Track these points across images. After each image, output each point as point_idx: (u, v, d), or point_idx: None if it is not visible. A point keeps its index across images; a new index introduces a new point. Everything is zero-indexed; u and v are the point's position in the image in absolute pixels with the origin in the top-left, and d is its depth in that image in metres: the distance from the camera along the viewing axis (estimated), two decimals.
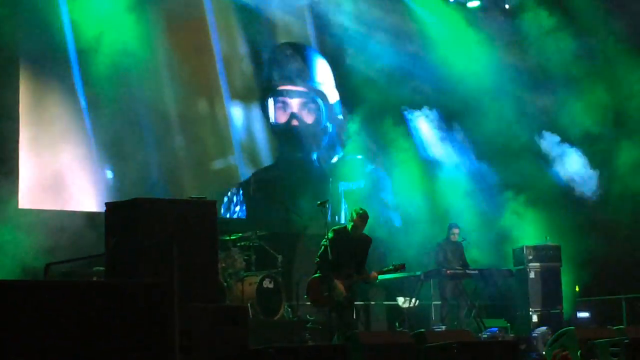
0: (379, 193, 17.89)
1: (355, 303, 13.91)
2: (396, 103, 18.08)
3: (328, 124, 17.91)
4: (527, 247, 16.45)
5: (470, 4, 18.89)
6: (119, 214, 9.08)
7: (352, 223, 12.24)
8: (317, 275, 12.24)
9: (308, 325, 12.93)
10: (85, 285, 7.98)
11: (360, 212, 12.29)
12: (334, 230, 12.25)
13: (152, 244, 8.38)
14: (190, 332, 8.29)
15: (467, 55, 17.94)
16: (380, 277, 13.29)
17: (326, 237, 12.06)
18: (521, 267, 16.27)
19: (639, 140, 17.11)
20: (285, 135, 17.44)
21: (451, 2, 18.74)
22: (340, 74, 17.97)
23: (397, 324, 15.22)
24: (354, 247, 12.19)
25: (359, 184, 17.69)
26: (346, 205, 17.31)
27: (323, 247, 12.07)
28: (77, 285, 7.52)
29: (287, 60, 17.56)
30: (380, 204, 17.72)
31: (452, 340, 10.27)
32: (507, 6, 18.79)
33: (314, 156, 17.72)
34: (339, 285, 11.97)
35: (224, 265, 13.77)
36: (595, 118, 17.45)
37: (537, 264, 16.27)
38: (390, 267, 12.79)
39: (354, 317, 12.51)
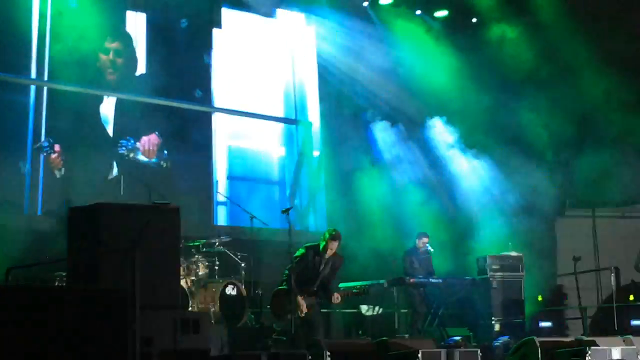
0: None
1: (321, 310, 14.00)
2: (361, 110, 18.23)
3: None
4: (490, 256, 16.50)
5: (437, 14, 18.94)
6: (82, 219, 9.04)
7: (324, 242, 12.39)
8: (282, 287, 12.30)
9: (273, 336, 12.92)
10: (46, 290, 7.94)
11: (334, 232, 12.47)
12: (306, 247, 12.45)
13: (114, 250, 8.35)
14: (152, 339, 8.25)
15: (432, 66, 18.03)
16: (343, 285, 13.36)
17: (298, 252, 12.20)
18: (484, 276, 16.30)
19: (600, 150, 17.23)
20: None
21: (418, 14, 18.81)
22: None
23: (360, 332, 15.22)
24: (323, 266, 12.33)
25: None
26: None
27: (293, 261, 12.16)
28: (37, 290, 7.49)
29: None
30: None
31: (414, 348, 10.29)
32: (474, 20, 18.83)
33: None
34: (301, 302, 12.06)
35: (187, 271, 13.71)
36: (560, 127, 17.56)
37: (500, 274, 16.32)
38: (354, 290, 12.91)
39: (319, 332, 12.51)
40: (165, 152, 16.07)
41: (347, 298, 12.94)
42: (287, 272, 12.33)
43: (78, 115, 15.06)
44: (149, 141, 15.93)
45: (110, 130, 15.68)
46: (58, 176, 14.80)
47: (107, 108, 15.72)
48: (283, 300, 12.18)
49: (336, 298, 12.55)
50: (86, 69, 15.11)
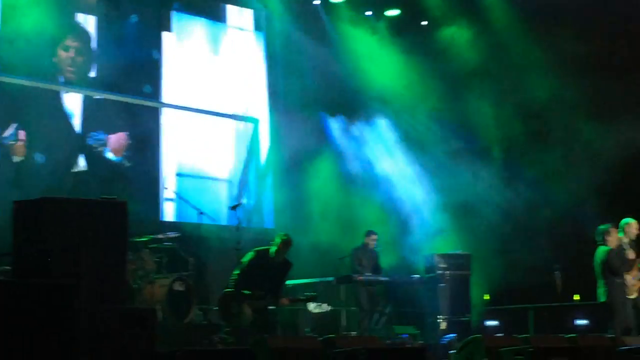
0: None
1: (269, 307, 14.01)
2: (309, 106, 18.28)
3: None
4: (437, 255, 16.60)
5: (389, 13, 18.99)
6: (27, 213, 8.94)
7: (275, 247, 12.40)
8: (229, 290, 12.29)
9: (222, 335, 12.91)
10: None
11: (285, 237, 12.49)
12: (256, 251, 12.42)
13: (60, 244, 8.28)
14: (97, 335, 8.19)
15: (380, 65, 18.10)
16: (291, 282, 13.37)
17: (247, 256, 12.19)
18: (432, 274, 16.40)
19: (549, 150, 17.38)
20: None
21: (368, 14, 18.85)
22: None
23: (307, 329, 15.24)
24: (272, 271, 12.36)
25: None
26: None
27: (242, 264, 12.16)
28: None
29: None
30: None
31: (360, 346, 10.31)
32: (424, 23, 18.91)
33: None
34: (247, 309, 12.05)
35: (134, 266, 13.65)
36: (509, 127, 17.69)
37: (448, 272, 16.42)
38: (302, 297, 12.91)
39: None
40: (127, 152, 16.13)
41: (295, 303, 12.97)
42: (235, 275, 12.32)
43: (39, 106, 15.06)
44: (118, 139, 15.97)
45: (77, 124, 15.68)
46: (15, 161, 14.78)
47: (74, 102, 15.70)
48: (230, 304, 12.17)
49: (282, 303, 12.55)
50: (41, 63, 15.11)
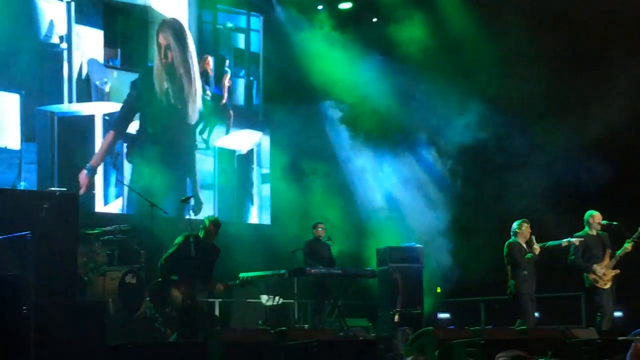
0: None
1: (218, 300, 13.96)
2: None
3: None
4: (390, 247, 16.64)
5: (342, 6, 18.97)
6: None
7: (203, 230, 12.23)
8: (158, 281, 12.18)
9: (156, 325, 12.73)
10: None
11: (213, 219, 12.32)
12: (185, 235, 12.19)
13: (8, 236, 8.20)
14: (47, 327, 8.13)
15: (331, 58, 18.12)
16: (244, 274, 13.30)
17: (176, 240, 12.02)
18: (384, 267, 16.43)
19: (505, 146, 17.50)
20: None
21: (320, 9, 18.82)
22: None
23: (259, 322, 15.20)
24: (202, 255, 12.12)
25: None
26: None
27: (170, 249, 11.98)
28: None
29: None
30: None
31: (313, 338, 10.33)
32: (374, 19, 18.94)
33: None
34: (175, 293, 11.88)
35: (85, 259, 13.54)
36: (468, 125, 17.79)
37: (400, 265, 16.45)
38: (237, 282, 12.76)
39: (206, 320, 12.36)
40: None
41: (230, 289, 12.78)
42: (162, 261, 12.15)
43: None
44: None
45: None
46: None
47: None
48: (160, 294, 11.97)
49: (218, 289, 12.38)
50: None
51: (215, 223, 12.25)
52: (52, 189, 9.23)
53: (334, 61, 18.04)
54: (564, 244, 13.84)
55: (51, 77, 15.89)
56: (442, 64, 17.61)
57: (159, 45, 17.09)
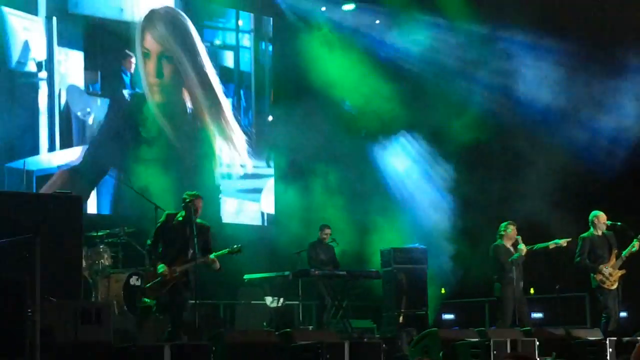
0: None
1: (222, 302, 13.90)
2: None
3: None
4: (394, 249, 16.60)
5: (345, 7, 18.98)
6: None
7: (184, 206, 11.67)
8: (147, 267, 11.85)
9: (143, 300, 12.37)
10: None
11: (192, 193, 11.79)
12: (167, 214, 11.82)
13: (14, 239, 8.21)
14: (53, 330, 8.15)
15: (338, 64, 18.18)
16: (248, 276, 13.18)
17: (160, 219, 11.77)
18: (388, 268, 16.42)
19: (507, 148, 17.50)
20: None
21: (323, 10, 18.83)
22: None
23: (264, 324, 15.21)
24: (189, 231, 11.55)
25: None
26: None
27: (154, 231, 11.72)
28: None
29: None
30: None
31: (317, 340, 10.34)
32: (377, 21, 18.96)
33: None
34: (167, 271, 11.34)
35: (90, 261, 13.54)
36: (467, 127, 17.79)
37: (404, 266, 16.43)
38: (226, 251, 12.17)
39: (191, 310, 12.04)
40: None
41: (224, 258, 12.08)
42: (148, 244, 11.88)
43: None
44: None
45: None
46: None
47: None
48: (151, 276, 11.65)
49: (213, 261, 11.63)
50: None
51: (193, 195, 11.80)
52: (57, 191, 9.22)
53: (337, 62, 18.08)
54: (551, 246, 13.81)
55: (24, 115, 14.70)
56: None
57: (146, 53, 16.62)
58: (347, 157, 18.43)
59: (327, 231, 16.01)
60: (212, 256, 11.57)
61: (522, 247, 13.62)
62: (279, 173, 18.41)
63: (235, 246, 11.91)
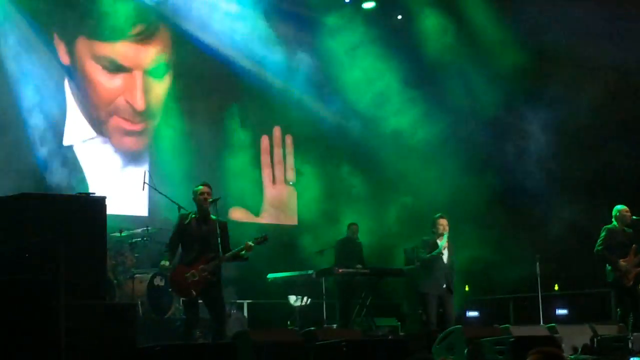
0: None
1: (247, 301, 13.91)
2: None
3: None
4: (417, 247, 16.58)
5: (365, 5, 19.00)
6: (5, 209, 8.90)
7: (196, 201, 11.41)
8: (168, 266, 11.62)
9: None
10: None
11: (202, 183, 11.47)
12: (180, 216, 11.57)
13: (39, 240, 8.24)
14: (77, 330, 8.16)
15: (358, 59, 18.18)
16: (272, 275, 13.18)
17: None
18: (411, 266, 16.39)
19: (519, 141, 17.48)
20: None
21: (347, 1, 18.84)
22: None
23: (288, 323, 15.24)
24: (208, 228, 11.31)
25: None
26: None
27: (171, 235, 11.52)
28: None
29: None
30: None
31: (342, 338, 10.33)
32: (399, 17, 18.96)
33: None
34: (187, 269, 11.15)
35: (114, 262, 13.65)
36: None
37: None
38: (252, 241, 11.84)
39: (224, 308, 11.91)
40: None
41: (254, 246, 11.78)
42: (165, 247, 11.70)
43: None
44: None
45: None
46: None
47: None
48: (175, 279, 11.51)
49: (248, 247, 11.26)
50: None
51: (204, 184, 11.43)
52: (81, 192, 9.24)
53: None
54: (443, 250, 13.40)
55: None
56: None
57: None
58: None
59: (354, 228, 16.09)
60: (250, 242, 11.36)
61: (445, 243, 13.19)
62: (301, 172, 18.46)
63: (260, 236, 11.64)
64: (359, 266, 15.67)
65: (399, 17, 19.06)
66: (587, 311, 15.64)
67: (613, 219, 13.48)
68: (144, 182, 14.87)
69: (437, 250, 13.21)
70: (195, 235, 11.29)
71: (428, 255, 13.20)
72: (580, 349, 11.76)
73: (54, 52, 16.08)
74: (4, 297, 7.22)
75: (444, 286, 13.27)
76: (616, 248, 13.35)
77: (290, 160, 19.13)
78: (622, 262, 13.25)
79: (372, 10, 19.00)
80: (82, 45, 16.47)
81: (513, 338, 10.75)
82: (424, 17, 18.05)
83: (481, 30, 17.63)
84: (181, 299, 11.74)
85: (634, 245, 13.33)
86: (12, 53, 15.32)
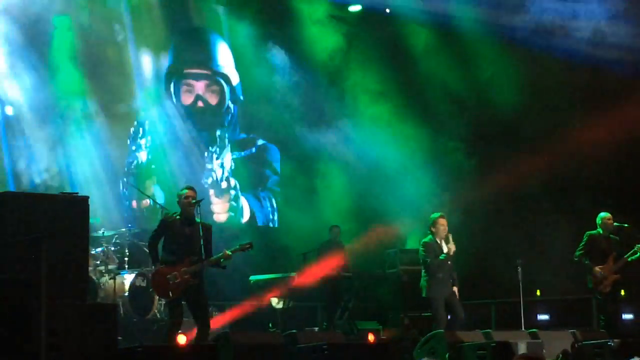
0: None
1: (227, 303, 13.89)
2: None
3: (230, 104, 18.51)
4: (400, 250, 16.62)
5: (352, 8, 18.99)
6: None
7: (180, 204, 11.36)
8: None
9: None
10: None
11: (186, 187, 11.49)
12: (164, 217, 11.59)
13: (20, 240, 8.21)
14: (58, 330, 8.14)
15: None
16: (254, 277, 13.18)
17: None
18: (394, 270, 16.42)
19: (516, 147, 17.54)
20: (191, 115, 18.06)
21: None
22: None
23: (270, 325, 15.22)
24: (193, 231, 11.25)
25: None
26: None
27: (152, 235, 11.44)
28: None
29: (192, 44, 18.33)
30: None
31: (323, 341, 10.33)
32: (387, 10, 18.95)
33: (217, 133, 18.24)
34: (176, 272, 11.09)
35: (96, 262, 13.60)
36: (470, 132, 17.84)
37: (410, 268, 16.39)
38: (237, 247, 11.81)
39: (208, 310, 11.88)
40: None
41: (234, 255, 11.72)
42: (150, 249, 11.60)
43: None
44: None
45: None
46: None
47: None
48: (157, 280, 11.43)
49: (227, 255, 11.16)
50: None
51: (188, 187, 11.46)
52: (64, 192, 9.22)
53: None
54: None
55: None
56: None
57: None
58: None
59: (336, 231, 16.08)
60: (228, 252, 11.33)
61: (452, 245, 12.87)
62: (284, 174, 18.45)
63: (246, 243, 11.59)
64: (342, 269, 15.68)
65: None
66: (568, 317, 15.65)
67: (597, 226, 13.51)
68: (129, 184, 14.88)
69: (444, 254, 12.88)
70: (179, 236, 11.24)
71: (436, 260, 12.85)
72: (561, 355, 11.77)
73: None
74: None
75: (451, 287, 13.04)
76: (597, 254, 13.38)
77: None
78: (596, 269, 13.25)
79: None
80: None
81: (494, 343, 10.78)
82: None
83: None
84: (165, 300, 11.70)
85: (613, 253, 13.35)
86: None
